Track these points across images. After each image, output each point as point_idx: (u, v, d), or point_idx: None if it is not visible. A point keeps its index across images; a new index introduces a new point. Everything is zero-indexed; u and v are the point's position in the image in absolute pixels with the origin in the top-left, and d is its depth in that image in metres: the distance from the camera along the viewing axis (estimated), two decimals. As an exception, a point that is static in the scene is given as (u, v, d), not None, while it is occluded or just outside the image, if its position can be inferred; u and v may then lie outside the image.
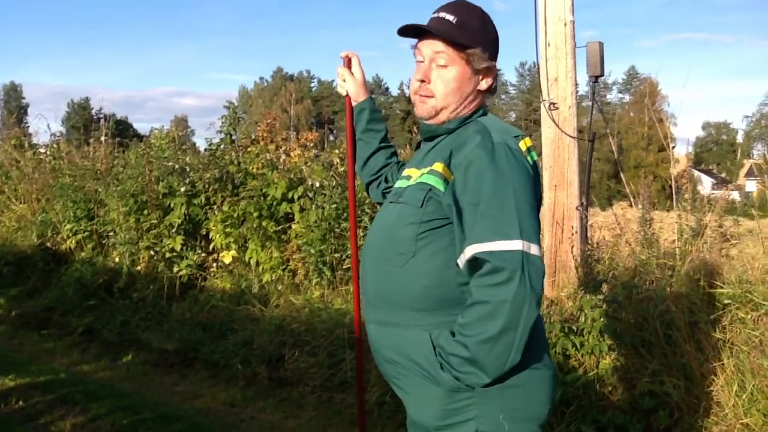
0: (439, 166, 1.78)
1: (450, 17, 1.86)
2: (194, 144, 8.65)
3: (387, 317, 1.85)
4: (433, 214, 1.76)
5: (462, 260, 1.71)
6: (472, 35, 1.85)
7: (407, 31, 1.91)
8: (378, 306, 1.88)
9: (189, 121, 78.91)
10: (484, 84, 1.91)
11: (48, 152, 8.94)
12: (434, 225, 1.77)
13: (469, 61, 1.85)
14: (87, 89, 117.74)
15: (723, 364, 3.71)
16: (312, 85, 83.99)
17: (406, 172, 1.96)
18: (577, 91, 4.83)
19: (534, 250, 1.65)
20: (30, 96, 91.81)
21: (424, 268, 1.77)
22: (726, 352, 3.76)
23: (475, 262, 1.67)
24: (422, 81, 1.89)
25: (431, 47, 1.87)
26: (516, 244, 1.62)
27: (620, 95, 76.25)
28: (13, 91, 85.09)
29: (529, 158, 1.79)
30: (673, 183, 5.51)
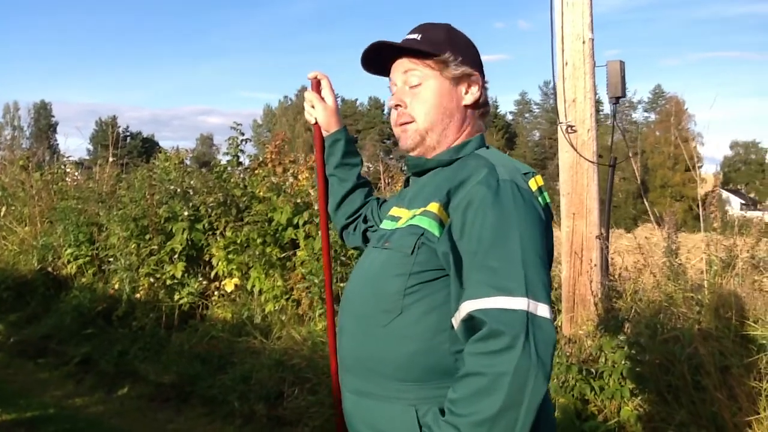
0: (434, 207, 1.48)
1: (414, 36, 1.65)
2: (200, 166, 8.39)
3: (365, 386, 1.54)
4: (425, 264, 1.47)
5: (457, 319, 1.41)
6: (439, 44, 1.61)
7: (371, 64, 1.71)
8: (355, 372, 1.58)
9: (214, 140, 79.60)
10: (469, 97, 1.65)
11: (56, 173, 8.78)
12: (427, 277, 1.47)
13: (442, 70, 1.61)
14: (115, 107, 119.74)
15: (759, 417, 3.34)
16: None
17: (393, 211, 1.67)
18: (597, 113, 4.52)
19: (542, 310, 1.34)
20: (59, 114, 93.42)
21: (412, 330, 1.47)
22: (762, 402, 3.38)
23: (471, 323, 1.37)
24: (398, 106, 1.65)
25: (400, 69, 1.65)
26: (520, 303, 1.33)
27: (645, 114, 75.62)
28: (43, 110, 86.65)
29: (540, 200, 1.51)
30: (700, 207, 5.16)
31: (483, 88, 1.67)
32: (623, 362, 3.81)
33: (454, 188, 1.48)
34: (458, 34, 1.68)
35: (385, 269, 1.53)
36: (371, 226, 1.98)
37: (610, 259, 4.63)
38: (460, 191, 1.47)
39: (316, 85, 1.98)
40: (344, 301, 1.67)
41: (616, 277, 4.71)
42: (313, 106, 1.98)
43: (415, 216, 1.52)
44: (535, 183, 1.52)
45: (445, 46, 1.62)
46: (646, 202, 6.14)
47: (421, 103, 1.63)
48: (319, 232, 5.51)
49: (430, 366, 1.46)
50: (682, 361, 3.66)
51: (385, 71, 1.73)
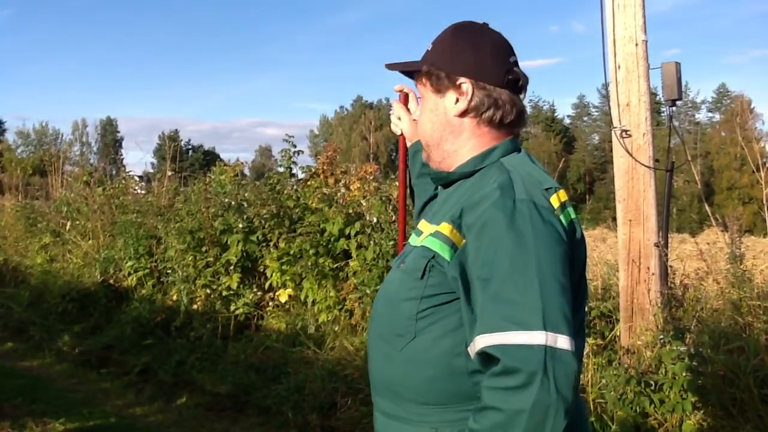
0: (446, 228, 1.42)
1: (429, 46, 1.63)
2: (258, 177, 8.53)
3: (390, 408, 1.53)
4: (437, 288, 1.42)
5: (472, 351, 1.36)
6: (429, 55, 1.60)
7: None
8: (381, 394, 1.57)
9: (273, 151, 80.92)
10: (459, 105, 1.55)
11: (117, 187, 9.05)
12: (439, 301, 1.43)
13: (426, 84, 1.61)
14: (176, 121, 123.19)
15: (831, 433, 3.17)
16: (391, 112, 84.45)
17: (420, 225, 1.62)
18: (658, 115, 4.38)
19: (562, 342, 1.26)
20: (124, 129, 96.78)
21: (427, 355, 1.43)
22: (834, 417, 3.22)
23: (487, 355, 1.32)
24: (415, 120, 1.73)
25: None
26: (537, 337, 1.25)
27: (710, 114, 73.33)
28: (109, 125, 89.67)
29: (562, 217, 1.41)
30: (766, 209, 4.95)
31: (477, 94, 1.54)
32: (684, 374, 3.67)
33: (467, 207, 1.42)
34: (457, 37, 1.59)
35: (399, 292, 1.51)
36: None
37: (670, 267, 4.48)
38: (473, 211, 1.40)
39: (404, 98, 2.01)
40: (370, 321, 1.66)
41: (677, 285, 4.55)
42: (399, 118, 2.00)
43: (428, 235, 1.48)
44: (557, 199, 1.43)
45: (432, 57, 1.59)
46: (707, 207, 5.93)
47: (420, 119, 1.67)
48: (371, 242, 5.54)
49: (449, 390, 1.43)
50: (748, 373, 3.51)
51: None
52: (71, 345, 6.81)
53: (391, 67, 1.72)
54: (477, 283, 1.35)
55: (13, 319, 7.84)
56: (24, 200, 12.12)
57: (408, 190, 2.05)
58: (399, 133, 2.01)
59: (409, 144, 2.01)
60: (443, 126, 1.59)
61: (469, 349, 1.38)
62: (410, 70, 1.68)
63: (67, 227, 8.94)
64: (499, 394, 1.26)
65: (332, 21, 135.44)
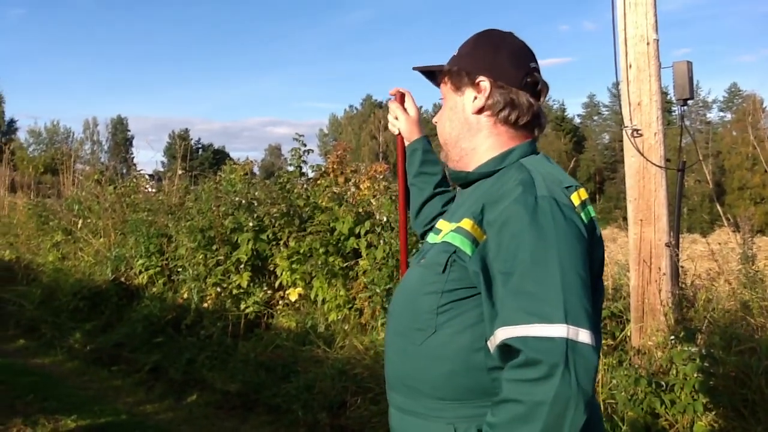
0: (467, 223, 1.44)
1: (455, 52, 1.68)
2: (268, 176, 8.56)
3: (407, 404, 1.54)
4: (457, 283, 1.44)
5: (492, 344, 1.37)
6: (453, 58, 1.65)
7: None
8: (397, 389, 1.58)
9: (282, 150, 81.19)
10: (478, 102, 1.58)
11: (128, 186, 9.09)
12: (459, 295, 1.44)
13: (446, 83, 1.65)
14: (187, 120, 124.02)
15: (844, 435, 3.15)
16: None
17: (439, 224, 1.64)
18: (669, 114, 4.37)
19: (583, 336, 1.27)
20: (135, 128, 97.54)
21: (446, 350, 1.45)
22: None
23: (507, 348, 1.33)
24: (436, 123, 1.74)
25: None
26: (558, 330, 1.26)
27: (721, 114, 72.97)
28: (120, 124, 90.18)
29: (583, 215, 1.43)
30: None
31: (495, 92, 1.57)
32: (695, 375, 3.65)
33: (489, 204, 1.43)
34: (479, 41, 1.65)
35: (419, 286, 1.52)
36: None
37: (681, 267, 4.46)
38: (495, 208, 1.41)
39: (400, 98, 2.05)
40: (387, 317, 1.67)
41: (688, 285, 4.53)
42: (396, 118, 2.03)
43: (449, 232, 1.50)
44: (578, 197, 1.44)
45: (454, 60, 1.65)
46: (718, 207, 5.90)
47: (439, 119, 1.69)
48: (381, 241, 5.54)
49: (467, 386, 1.44)
50: (760, 374, 3.50)
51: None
52: (82, 343, 6.85)
53: (417, 68, 1.76)
54: (499, 277, 1.36)
55: (25, 316, 7.89)
56: (36, 198, 12.22)
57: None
58: (396, 132, 2.05)
59: (407, 143, 2.05)
60: (461, 124, 1.62)
61: (489, 342, 1.39)
62: (433, 72, 1.73)
63: (79, 225, 8.99)
64: (519, 385, 1.27)
65: (341, 20, 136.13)
